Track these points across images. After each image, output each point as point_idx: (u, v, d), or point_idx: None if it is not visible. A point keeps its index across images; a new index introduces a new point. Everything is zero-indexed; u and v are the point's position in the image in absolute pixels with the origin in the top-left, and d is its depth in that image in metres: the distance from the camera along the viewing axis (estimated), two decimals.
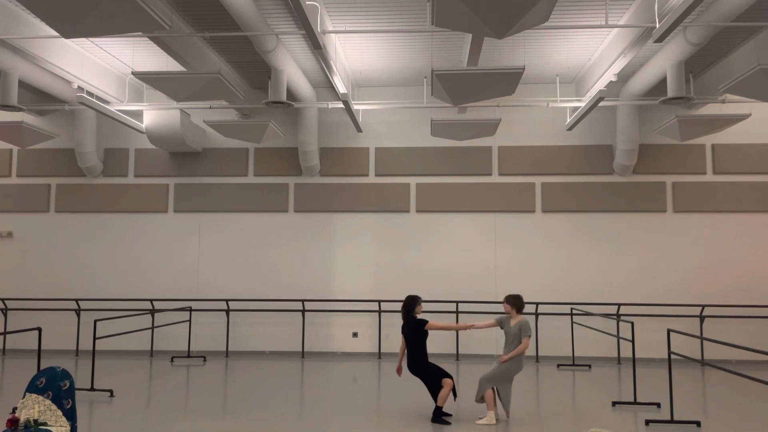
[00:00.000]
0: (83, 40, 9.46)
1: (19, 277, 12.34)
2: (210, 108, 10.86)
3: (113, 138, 12.51)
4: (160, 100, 11.72)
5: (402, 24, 8.79)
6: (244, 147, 12.29)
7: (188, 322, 11.30)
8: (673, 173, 11.71)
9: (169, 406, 7.44)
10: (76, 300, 11.87)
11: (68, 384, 4.29)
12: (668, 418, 6.62)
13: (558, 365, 10.56)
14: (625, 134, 11.36)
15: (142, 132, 11.70)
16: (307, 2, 6.56)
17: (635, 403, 7.39)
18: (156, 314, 11.43)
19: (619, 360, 10.89)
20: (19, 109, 9.42)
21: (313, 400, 7.78)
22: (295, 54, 10.11)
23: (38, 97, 11.49)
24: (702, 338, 6.79)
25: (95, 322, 8.26)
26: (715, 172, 11.67)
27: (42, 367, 4.73)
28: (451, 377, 6.57)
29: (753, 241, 11.48)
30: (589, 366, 10.45)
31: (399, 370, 6.96)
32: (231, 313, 11.76)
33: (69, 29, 5.48)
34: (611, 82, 9.47)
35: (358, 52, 10.19)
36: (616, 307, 11.09)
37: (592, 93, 9.81)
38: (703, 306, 11.01)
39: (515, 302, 6.77)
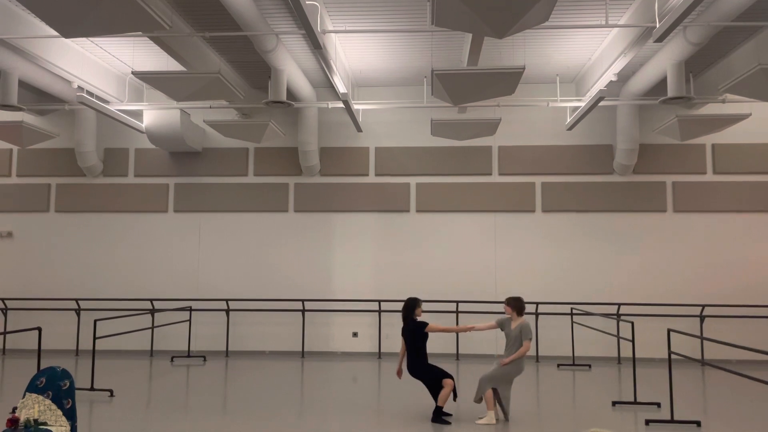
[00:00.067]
0: (83, 39, 9.45)
1: (19, 277, 12.34)
2: (210, 108, 10.86)
3: (113, 138, 12.51)
4: (160, 99, 11.73)
5: (402, 24, 8.79)
6: (244, 147, 12.29)
7: (188, 322, 11.29)
8: (673, 173, 11.71)
9: (169, 406, 7.44)
10: (76, 300, 11.87)
11: (68, 384, 4.28)
12: (668, 417, 6.62)
13: (558, 365, 10.56)
14: (625, 134, 11.36)
15: (142, 132, 11.70)
16: (307, 2, 6.55)
17: (635, 402, 7.39)
18: (156, 314, 11.43)
19: (619, 360, 10.89)
20: (19, 109, 9.42)
21: (313, 400, 7.78)
22: (295, 54, 10.11)
23: (38, 97, 11.49)
24: (702, 338, 6.79)
25: (95, 321, 8.27)
26: (715, 171, 11.67)
27: (42, 367, 4.73)
28: (451, 377, 6.57)
29: (753, 241, 11.48)
30: (589, 366, 10.45)
31: (399, 373, 6.97)
32: (231, 312, 11.76)
33: (69, 29, 5.47)
34: (611, 81, 9.47)
35: (358, 51, 10.19)
36: (616, 306, 11.09)
37: (592, 93, 9.81)
38: (703, 306, 11.01)
39: (516, 304, 6.77)
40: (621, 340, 10.61)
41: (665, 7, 7.02)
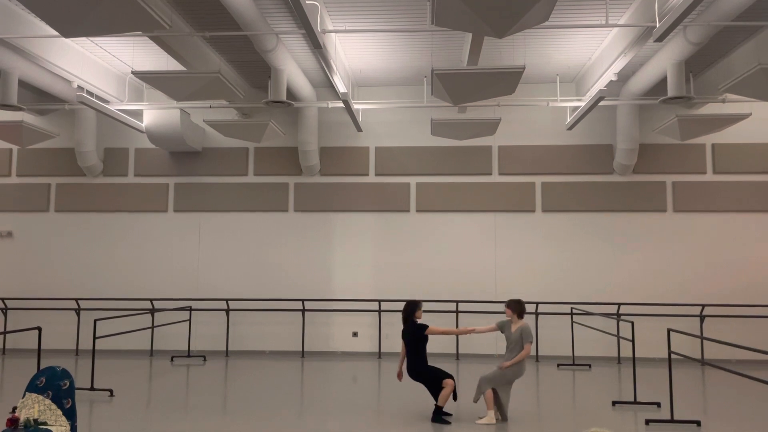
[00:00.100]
0: (83, 39, 9.45)
1: (19, 277, 12.33)
2: (210, 107, 10.86)
3: (113, 137, 12.51)
4: (160, 99, 11.72)
5: (402, 23, 8.78)
6: (244, 146, 12.29)
7: (188, 322, 11.29)
8: (673, 173, 11.71)
9: (169, 405, 7.43)
10: (76, 299, 11.87)
11: (68, 383, 4.28)
12: (668, 417, 6.62)
13: (558, 365, 10.55)
14: (625, 134, 11.36)
15: (142, 131, 11.70)
16: (307, 1, 6.55)
17: (635, 402, 7.39)
18: (156, 314, 11.43)
19: (619, 360, 10.89)
20: (19, 109, 9.42)
21: (313, 400, 7.78)
22: (295, 53, 10.11)
23: (38, 97, 11.48)
24: (702, 338, 6.79)
25: (95, 321, 8.26)
26: (715, 171, 11.67)
27: (42, 367, 4.73)
28: (452, 377, 6.57)
29: (753, 241, 11.48)
30: (589, 366, 10.45)
31: (399, 375, 6.97)
32: (231, 312, 11.76)
33: (69, 29, 5.47)
34: (611, 81, 9.47)
35: (358, 51, 10.19)
36: (616, 306, 11.09)
37: (593, 92, 9.81)
38: (703, 306, 11.01)
39: (517, 307, 6.77)
40: (621, 340, 10.61)
41: (665, 7, 7.01)
